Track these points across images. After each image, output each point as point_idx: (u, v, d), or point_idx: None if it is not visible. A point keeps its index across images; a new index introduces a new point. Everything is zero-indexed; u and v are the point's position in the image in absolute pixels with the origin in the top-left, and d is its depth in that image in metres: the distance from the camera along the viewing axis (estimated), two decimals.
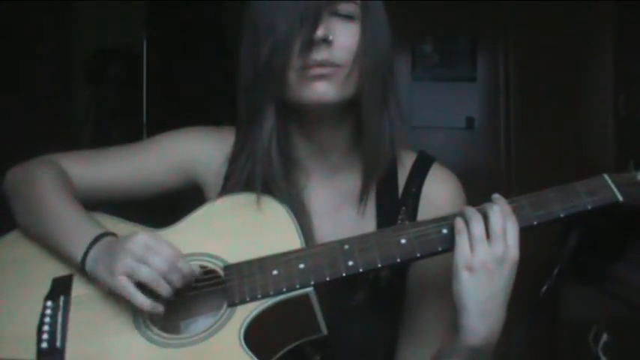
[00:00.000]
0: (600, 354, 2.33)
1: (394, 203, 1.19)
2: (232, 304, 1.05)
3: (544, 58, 3.41)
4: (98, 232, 1.11)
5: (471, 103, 3.53)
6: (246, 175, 1.16)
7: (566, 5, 3.30)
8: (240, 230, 1.13)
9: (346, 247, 1.06)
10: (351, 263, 1.05)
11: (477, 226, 1.03)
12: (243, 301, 1.05)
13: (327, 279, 1.04)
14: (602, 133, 3.40)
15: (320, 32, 1.07)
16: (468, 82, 3.52)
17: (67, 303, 1.11)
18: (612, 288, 2.44)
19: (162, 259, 1.04)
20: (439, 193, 1.20)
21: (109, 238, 1.11)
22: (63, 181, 1.21)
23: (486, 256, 1.02)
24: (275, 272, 1.05)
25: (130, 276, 1.03)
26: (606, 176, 1.10)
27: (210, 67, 3.60)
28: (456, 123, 3.52)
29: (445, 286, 1.07)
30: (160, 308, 1.04)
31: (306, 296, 1.04)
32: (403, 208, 1.19)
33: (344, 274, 1.04)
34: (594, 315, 2.49)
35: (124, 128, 3.51)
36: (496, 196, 1.08)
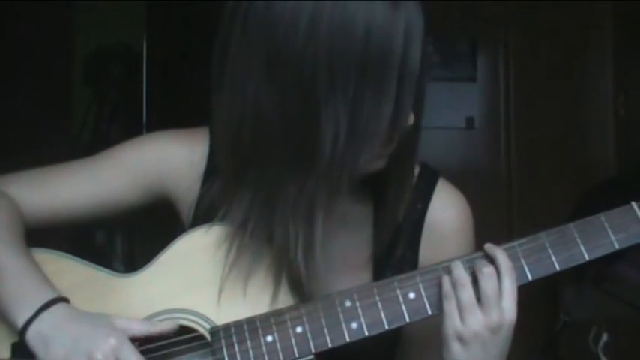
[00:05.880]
0: (600, 354, 2.33)
1: (394, 229, 1.03)
2: None
3: (544, 59, 3.42)
4: (49, 296, 0.92)
5: (470, 103, 3.52)
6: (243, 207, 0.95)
7: (565, 5, 3.30)
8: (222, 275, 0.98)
9: (348, 303, 0.93)
10: (355, 325, 0.92)
11: (465, 294, 0.90)
12: None
13: (330, 345, 0.92)
14: (602, 133, 3.41)
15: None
16: (468, 82, 3.52)
17: None
18: (612, 288, 2.44)
19: None
20: (445, 219, 1.05)
21: (58, 308, 0.92)
22: (10, 218, 1.01)
23: (479, 326, 0.89)
24: (269, 338, 0.92)
25: None
26: (635, 206, 0.95)
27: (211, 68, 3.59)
28: (455, 123, 3.51)
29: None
30: None
31: None
32: (406, 240, 1.05)
33: (348, 339, 0.92)
34: (594, 315, 2.49)
35: (124, 128, 3.51)
36: (488, 245, 0.94)
